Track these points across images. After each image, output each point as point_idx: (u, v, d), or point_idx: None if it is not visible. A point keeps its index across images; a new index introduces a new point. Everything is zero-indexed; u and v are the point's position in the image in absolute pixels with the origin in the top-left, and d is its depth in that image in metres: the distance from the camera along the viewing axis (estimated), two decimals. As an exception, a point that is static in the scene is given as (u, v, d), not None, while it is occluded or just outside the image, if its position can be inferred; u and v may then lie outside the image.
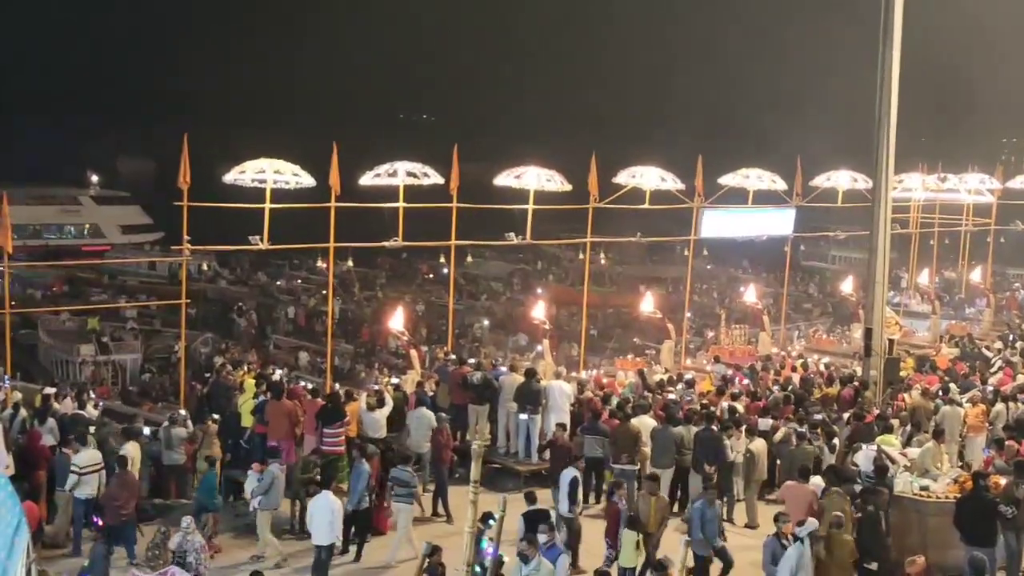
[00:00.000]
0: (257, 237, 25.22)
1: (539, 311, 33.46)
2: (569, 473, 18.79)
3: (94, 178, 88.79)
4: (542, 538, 15.13)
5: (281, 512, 19.75)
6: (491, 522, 16.92)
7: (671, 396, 25.22)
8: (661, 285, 49.00)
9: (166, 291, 53.39)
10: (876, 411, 23.87)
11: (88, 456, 18.92)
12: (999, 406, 24.33)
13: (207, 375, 29.37)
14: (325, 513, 17.21)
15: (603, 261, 67.61)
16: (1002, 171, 47.66)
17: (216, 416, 22.04)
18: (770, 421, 23.01)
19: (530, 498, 17.46)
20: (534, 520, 16.34)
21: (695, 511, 17.07)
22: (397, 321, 31.64)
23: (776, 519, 16.17)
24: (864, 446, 20.05)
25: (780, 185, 36.10)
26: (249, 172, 25.02)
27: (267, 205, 25.10)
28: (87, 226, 77.09)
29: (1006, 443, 20.42)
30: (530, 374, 24.01)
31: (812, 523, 15.55)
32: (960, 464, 21.90)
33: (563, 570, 15.10)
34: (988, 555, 15.32)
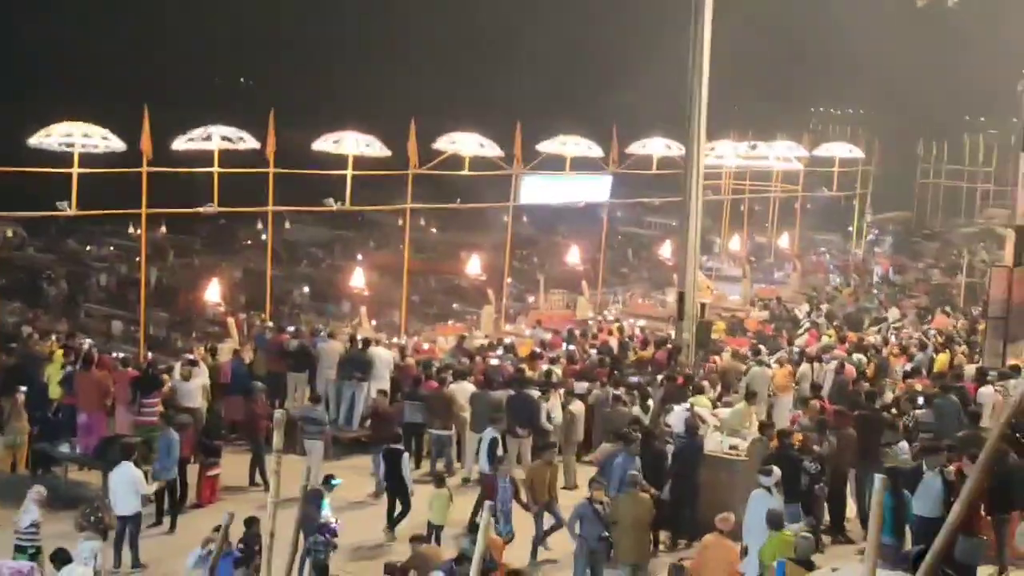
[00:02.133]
0: (65, 203, 24.46)
1: (357, 279, 33.29)
2: (489, 433, 19.11)
3: None
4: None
5: (92, 486, 19.34)
6: (333, 483, 16.96)
7: (493, 362, 25.42)
8: (482, 251, 49.15)
9: (-31, 259, 51.44)
10: (687, 372, 24.47)
11: None
12: (804, 367, 25.19)
13: (13, 345, 28.37)
14: (127, 484, 16.89)
15: (423, 226, 67.57)
16: (809, 139, 49.36)
17: (23, 388, 21.35)
18: (586, 384, 23.39)
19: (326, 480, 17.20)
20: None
21: (617, 466, 16.96)
22: (214, 293, 31.13)
23: (590, 483, 16.45)
24: (676, 407, 20.56)
25: (597, 152, 36.62)
26: (55, 135, 24.24)
27: (75, 170, 24.35)
28: None
29: (809, 402, 21.22)
30: (364, 343, 23.96)
31: (777, 473, 15.84)
32: (769, 421, 22.63)
33: None
34: (792, 509, 15.88)
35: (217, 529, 11.61)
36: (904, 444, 18.84)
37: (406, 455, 19.07)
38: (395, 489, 18.68)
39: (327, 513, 16.27)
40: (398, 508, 18.66)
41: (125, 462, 17.22)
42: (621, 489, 16.40)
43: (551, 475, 17.90)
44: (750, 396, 21.45)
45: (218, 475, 19.91)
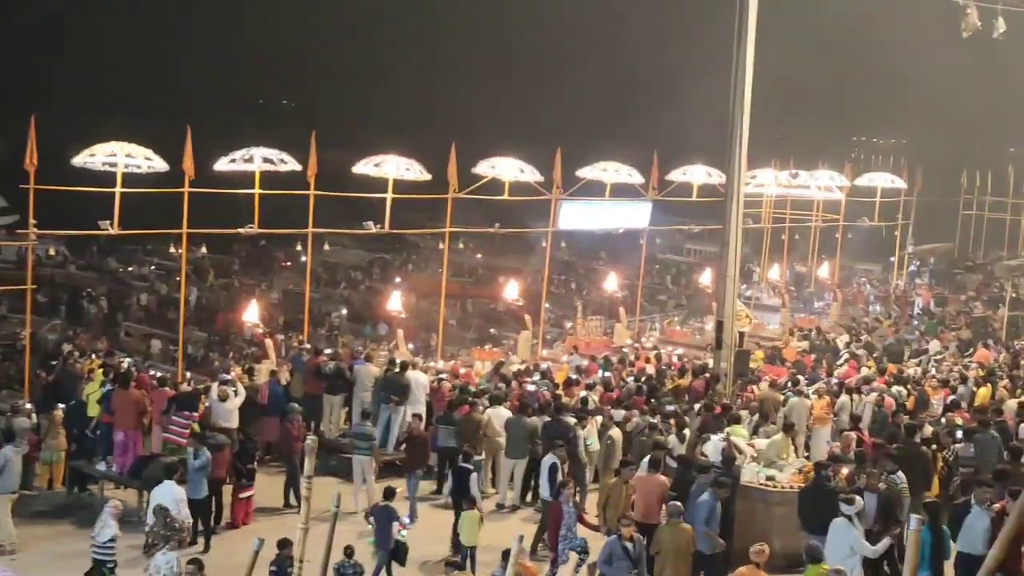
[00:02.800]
0: (107, 222, 24.65)
1: (395, 301, 33.33)
2: (549, 459, 19.14)
3: None
4: None
5: (128, 504, 19.40)
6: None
7: (529, 387, 25.34)
8: (520, 276, 49.16)
9: (13, 276, 51.78)
10: (725, 402, 24.30)
11: None
12: (843, 398, 24.96)
13: (53, 363, 28.56)
14: (169, 503, 16.90)
15: (462, 250, 67.64)
16: (851, 169, 49.03)
17: (62, 405, 21.48)
18: (623, 412, 23.27)
19: (388, 494, 17.54)
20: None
21: (702, 504, 16.62)
22: (252, 313, 31.23)
23: (619, 520, 16.30)
24: (713, 437, 20.41)
25: (637, 179, 36.55)
26: (100, 155, 24.46)
27: (118, 189, 24.54)
28: None
29: (843, 433, 21.00)
30: (402, 367, 23.95)
31: (859, 502, 15.80)
32: (806, 455, 22.43)
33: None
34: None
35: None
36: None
37: (475, 474, 19.19)
38: (458, 502, 18.75)
39: (403, 524, 17.09)
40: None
41: (167, 480, 17.27)
42: (710, 524, 16.32)
43: (627, 495, 17.68)
44: (788, 427, 21.26)
45: (251, 497, 19.91)
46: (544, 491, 19.18)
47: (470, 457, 19.76)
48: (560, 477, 18.86)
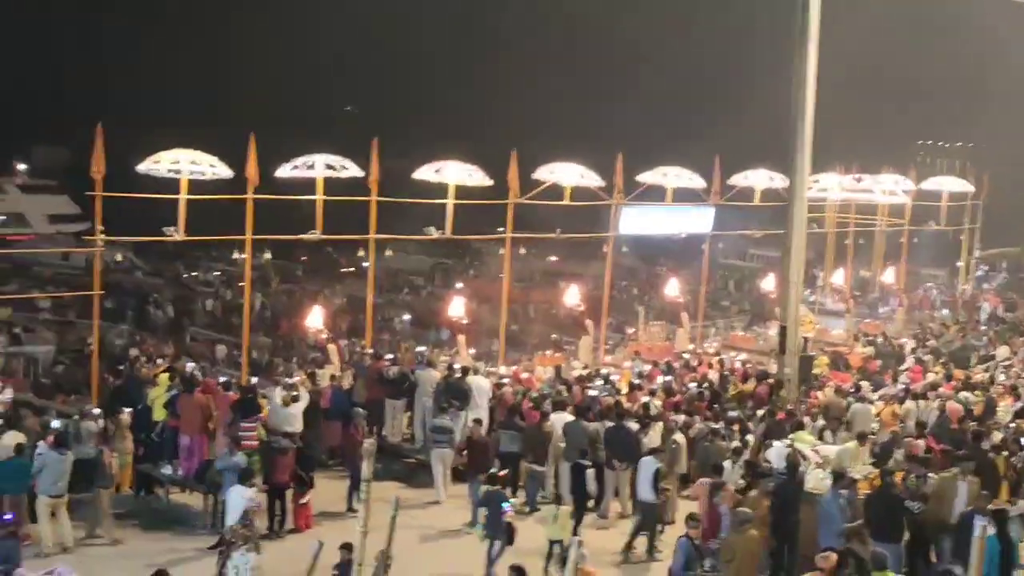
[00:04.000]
0: (173, 228, 24.92)
1: (456, 307, 33.41)
2: (652, 463, 19.32)
3: (21, 166, 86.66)
4: None
5: (193, 508, 19.66)
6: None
7: (591, 392, 25.28)
8: (581, 281, 49.00)
9: (81, 282, 52.51)
10: (789, 407, 24.13)
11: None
12: (909, 404, 24.72)
13: (120, 368, 28.92)
14: (236, 506, 17.05)
15: (523, 256, 67.61)
16: (916, 172, 48.43)
17: (128, 409, 21.74)
18: (683, 417, 23.16)
19: (492, 479, 18.57)
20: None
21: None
22: (316, 319, 31.42)
23: (687, 521, 16.27)
24: (776, 443, 20.27)
25: (699, 183, 36.36)
26: (164, 162, 24.71)
27: (183, 196, 24.82)
28: (12, 215, 75.25)
29: (904, 440, 20.77)
30: (463, 371, 24.03)
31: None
32: (871, 462, 22.20)
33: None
34: (894, 551, 15.53)
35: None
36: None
37: (590, 471, 19.66)
38: (579, 500, 19.37)
39: (509, 509, 17.59)
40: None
41: (239, 485, 17.41)
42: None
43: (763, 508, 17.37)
44: (861, 436, 21.06)
45: (309, 502, 19.98)
46: (647, 494, 19.20)
47: (586, 454, 20.25)
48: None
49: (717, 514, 16.97)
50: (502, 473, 19.50)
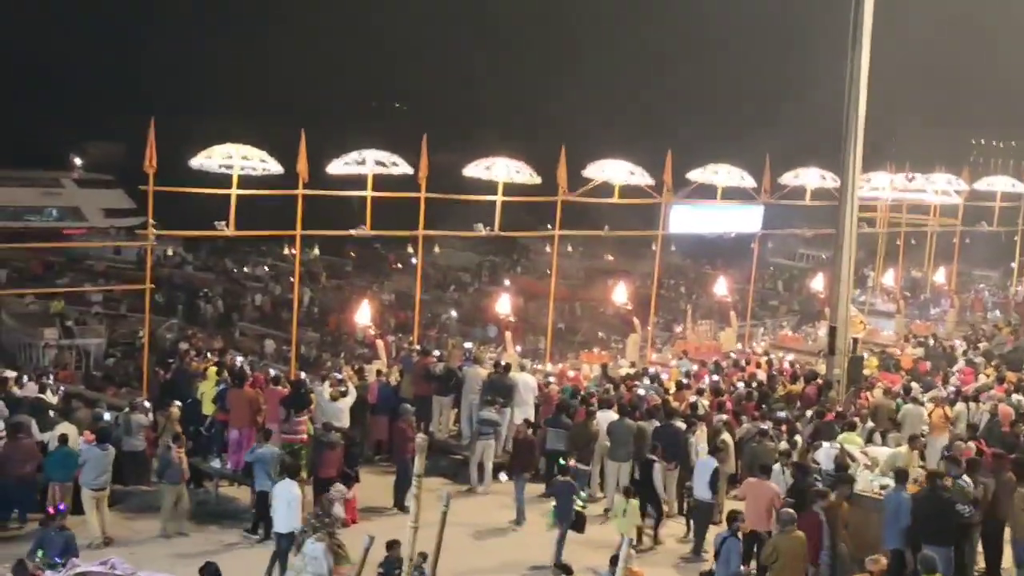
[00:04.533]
0: (223, 223, 25.10)
1: (503, 304, 33.40)
2: (711, 463, 19.37)
3: (77, 161, 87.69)
4: None
5: (242, 502, 19.82)
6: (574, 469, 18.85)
7: (639, 391, 25.21)
8: (629, 279, 48.98)
9: (132, 276, 53.06)
10: (838, 409, 23.94)
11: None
12: (959, 406, 24.46)
13: (170, 361, 29.17)
14: (288, 501, 17.11)
15: (571, 253, 67.53)
16: (969, 172, 47.90)
17: (178, 403, 21.92)
18: (724, 416, 23.03)
19: (563, 470, 18.88)
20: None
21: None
22: (364, 315, 31.53)
23: (732, 519, 16.18)
24: (825, 444, 20.13)
25: (749, 182, 36.13)
26: (216, 157, 24.90)
27: (233, 191, 24.98)
28: (69, 209, 76.20)
29: (954, 444, 20.55)
30: (505, 368, 24.04)
31: None
32: (921, 464, 21.99)
33: None
34: (943, 555, 15.37)
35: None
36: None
37: (658, 465, 19.77)
38: (648, 498, 19.43)
39: (580, 498, 18.19)
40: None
41: (288, 480, 17.48)
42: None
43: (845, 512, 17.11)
44: (913, 439, 20.85)
45: (354, 497, 20.01)
46: (703, 493, 19.20)
47: (656, 448, 20.36)
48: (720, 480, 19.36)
49: (817, 521, 16.68)
50: (573, 463, 19.58)
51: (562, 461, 19.67)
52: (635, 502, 18.45)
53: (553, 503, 18.55)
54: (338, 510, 16.46)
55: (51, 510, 16.48)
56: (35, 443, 19.46)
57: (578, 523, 18.25)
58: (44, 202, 75.79)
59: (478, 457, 22.28)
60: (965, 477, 17.39)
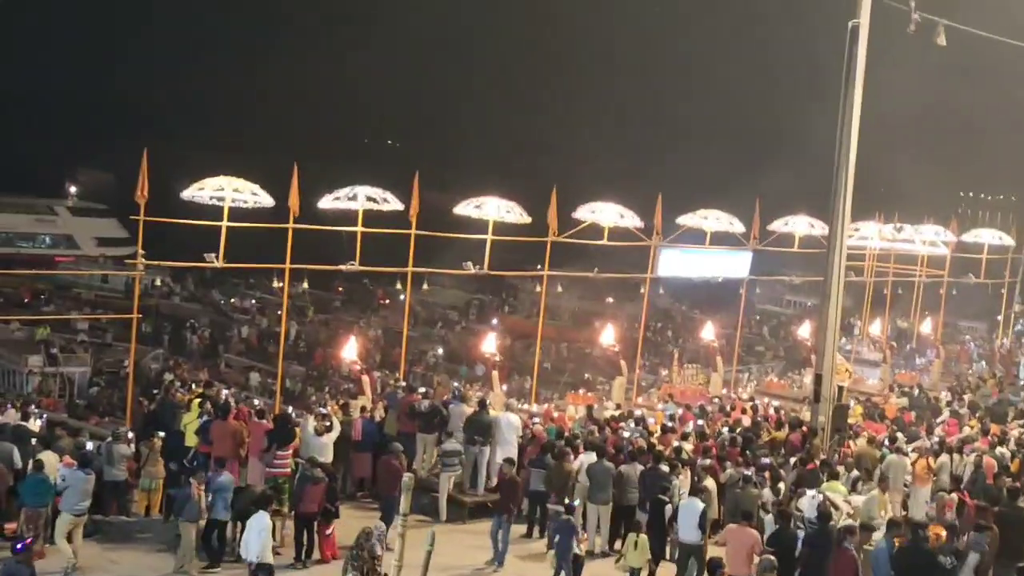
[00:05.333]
0: (213, 255, 25.09)
1: (489, 343, 33.40)
2: (696, 504, 19.12)
3: (72, 189, 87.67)
4: None
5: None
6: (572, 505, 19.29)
7: (624, 434, 25.18)
8: (617, 321, 49.03)
9: (119, 305, 52.98)
10: (822, 457, 23.92)
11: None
12: (943, 457, 24.46)
13: (155, 392, 29.08)
14: (259, 532, 17.06)
15: (559, 292, 67.60)
16: (957, 224, 48.17)
17: (161, 434, 21.83)
18: (708, 461, 22.98)
19: (570, 509, 19.14)
20: None
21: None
22: (351, 350, 31.50)
23: (714, 567, 16.14)
24: (809, 491, 20.10)
25: (738, 227, 36.31)
26: (208, 189, 24.92)
27: (224, 223, 25.00)
28: (62, 237, 76.10)
29: (937, 494, 20.56)
30: (481, 405, 24.00)
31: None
32: (904, 514, 21.97)
33: None
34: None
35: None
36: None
37: (669, 506, 19.77)
38: (656, 537, 19.43)
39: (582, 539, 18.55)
40: None
41: (261, 511, 17.42)
42: None
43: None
44: (882, 480, 20.90)
45: (334, 533, 19.90)
46: (691, 535, 18.90)
47: (667, 491, 20.28)
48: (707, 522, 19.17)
49: (852, 558, 16.52)
50: (569, 503, 19.58)
51: (567, 500, 19.82)
52: (644, 537, 18.56)
53: (556, 541, 18.63)
54: (376, 547, 16.30)
55: (19, 546, 16.28)
56: (5, 469, 19.36)
57: (577, 567, 18.32)
58: (37, 229, 75.74)
59: (445, 490, 22.68)
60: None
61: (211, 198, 24.97)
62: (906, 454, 24.36)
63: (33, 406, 26.27)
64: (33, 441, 20.88)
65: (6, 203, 74.46)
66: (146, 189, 23.64)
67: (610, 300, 67.26)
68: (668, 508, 19.74)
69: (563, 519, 18.60)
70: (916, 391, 36.51)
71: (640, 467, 21.42)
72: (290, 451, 20.91)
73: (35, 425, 22.85)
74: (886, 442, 25.92)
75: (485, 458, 23.19)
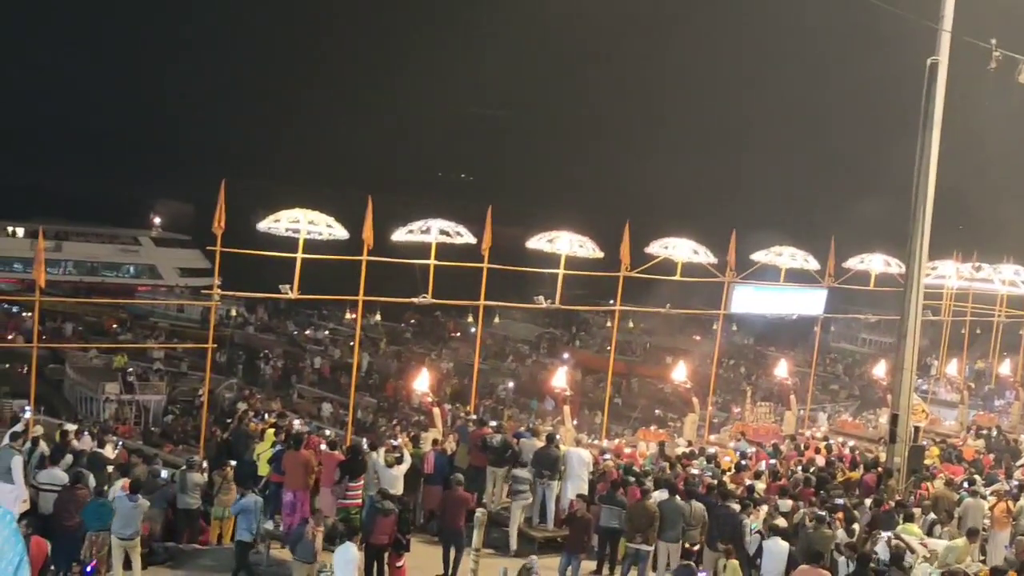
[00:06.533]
0: (287, 286, 25.30)
1: (560, 378, 33.33)
2: (782, 546, 19.15)
3: (156, 220, 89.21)
4: None
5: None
6: None
7: (693, 471, 24.98)
8: (689, 357, 48.79)
9: (196, 334, 53.68)
10: (898, 498, 23.55)
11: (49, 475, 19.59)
12: (1023, 501, 23.97)
13: (228, 421, 29.34)
14: (348, 563, 17.13)
15: (631, 328, 67.40)
16: (1039, 263, 47.34)
17: (233, 463, 22.01)
18: (790, 502, 22.72)
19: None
20: None
21: None
22: (422, 382, 31.60)
23: None
24: (884, 533, 19.79)
25: (813, 264, 35.99)
26: (284, 221, 25.17)
27: (299, 255, 25.22)
28: (145, 266, 77.39)
29: (1016, 539, 20.11)
30: (549, 439, 23.93)
31: None
32: (981, 559, 21.54)
33: None
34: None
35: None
36: None
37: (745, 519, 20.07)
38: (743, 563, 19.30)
39: None
40: None
41: (348, 542, 17.46)
42: None
43: None
44: (972, 533, 20.44)
45: (404, 565, 19.89)
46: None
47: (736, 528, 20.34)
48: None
49: None
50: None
51: (686, 545, 19.97)
52: (735, 562, 18.32)
53: None
54: None
55: (88, 569, 16.41)
56: (88, 494, 19.59)
57: None
58: (121, 259, 77.14)
59: (516, 521, 22.61)
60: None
61: (287, 230, 25.23)
62: (984, 497, 23.89)
63: (109, 433, 26.57)
64: (109, 468, 21.15)
65: (92, 233, 75.93)
66: (223, 220, 23.91)
67: (681, 336, 66.85)
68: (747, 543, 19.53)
69: (683, 566, 18.37)
70: (994, 433, 35.87)
71: (700, 505, 21.21)
72: (361, 482, 21.00)
73: (111, 452, 23.10)
74: (964, 484, 25.44)
75: (553, 492, 23.09)
